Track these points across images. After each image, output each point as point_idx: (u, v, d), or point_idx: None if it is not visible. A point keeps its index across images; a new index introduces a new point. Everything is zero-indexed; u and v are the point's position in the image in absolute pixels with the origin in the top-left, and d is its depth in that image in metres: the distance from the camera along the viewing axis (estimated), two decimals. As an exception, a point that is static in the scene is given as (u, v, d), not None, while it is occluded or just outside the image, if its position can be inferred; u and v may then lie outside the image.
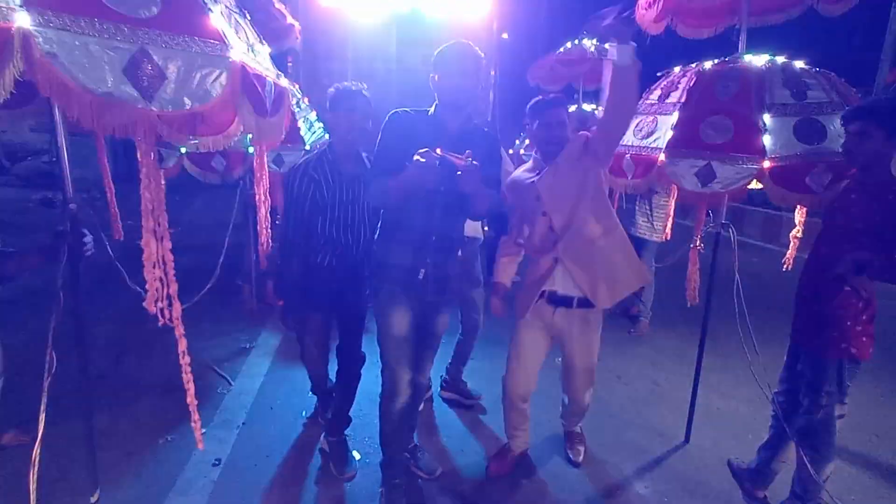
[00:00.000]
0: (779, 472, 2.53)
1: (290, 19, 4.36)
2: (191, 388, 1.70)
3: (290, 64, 4.57)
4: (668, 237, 4.37)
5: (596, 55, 4.88)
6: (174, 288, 1.50)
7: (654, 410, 3.39)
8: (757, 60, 2.54)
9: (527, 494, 2.58)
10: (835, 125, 2.28)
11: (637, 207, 4.58)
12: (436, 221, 2.16)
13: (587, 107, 5.01)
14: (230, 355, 3.89)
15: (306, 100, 3.93)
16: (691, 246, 2.91)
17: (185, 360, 1.65)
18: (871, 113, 2.02)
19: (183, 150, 3.58)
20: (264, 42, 1.77)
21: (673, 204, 3.61)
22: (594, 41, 4.73)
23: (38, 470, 1.63)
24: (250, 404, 3.23)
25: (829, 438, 2.21)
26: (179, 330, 1.59)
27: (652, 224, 4.58)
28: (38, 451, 1.56)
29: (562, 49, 4.98)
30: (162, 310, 1.50)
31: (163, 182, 1.50)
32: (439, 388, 3.43)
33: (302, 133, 3.74)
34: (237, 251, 3.96)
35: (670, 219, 3.72)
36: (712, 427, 3.20)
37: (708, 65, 2.63)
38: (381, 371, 2.32)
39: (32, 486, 1.56)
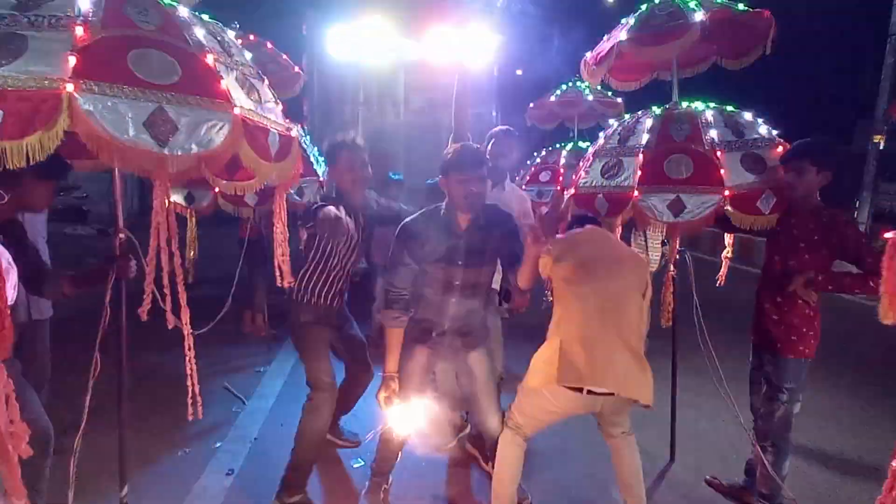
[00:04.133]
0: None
1: (296, 69, 4.80)
2: (194, 376, 1.98)
3: (305, 108, 4.97)
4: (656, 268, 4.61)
5: (591, 97, 5.21)
6: (184, 297, 1.83)
7: (641, 432, 3.53)
8: (698, 106, 2.95)
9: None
10: (770, 156, 2.66)
11: (633, 239, 4.82)
12: (453, 305, 2.41)
13: (583, 144, 5.30)
14: (246, 378, 4.18)
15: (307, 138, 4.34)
16: (667, 272, 3.13)
17: (190, 353, 1.96)
18: (806, 153, 2.46)
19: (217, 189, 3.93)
20: (279, 102, 2.10)
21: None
22: (588, 84, 5.07)
23: (75, 468, 1.88)
24: (262, 421, 3.49)
25: (788, 435, 2.47)
26: (187, 329, 1.90)
27: (647, 255, 4.81)
28: (80, 439, 1.82)
29: (558, 91, 5.32)
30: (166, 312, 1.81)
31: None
32: None
33: (315, 166, 4.09)
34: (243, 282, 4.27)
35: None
36: (697, 447, 3.37)
37: (657, 111, 3.01)
38: None
39: (72, 470, 1.80)
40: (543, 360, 2.24)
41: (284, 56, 4.74)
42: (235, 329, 4.89)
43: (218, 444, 3.17)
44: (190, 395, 2.00)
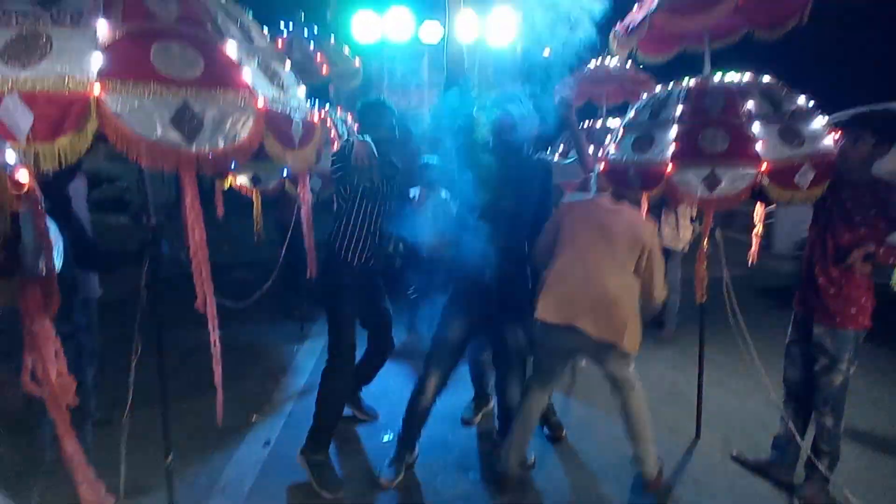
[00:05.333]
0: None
1: (357, 63, 4.92)
2: (218, 368, 2.02)
3: (331, 92, 5.05)
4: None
5: (618, 73, 5.10)
6: (210, 288, 1.85)
7: (669, 409, 3.55)
8: (731, 77, 2.82)
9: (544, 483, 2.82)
10: (809, 129, 2.57)
11: (663, 218, 4.73)
12: (502, 232, 2.56)
13: (612, 122, 5.21)
14: (281, 355, 4.36)
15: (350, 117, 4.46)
16: (700, 248, 3.05)
17: (215, 345, 2.00)
18: (867, 122, 2.41)
19: (285, 172, 4.11)
20: (301, 83, 2.12)
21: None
22: (615, 60, 4.97)
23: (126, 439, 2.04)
24: (296, 396, 3.66)
25: (845, 397, 2.53)
26: (213, 321, 1.93)
27: (678, 234, 4.73)
28: (130, 414, 1.97)
29: (587, 68, 5.21)
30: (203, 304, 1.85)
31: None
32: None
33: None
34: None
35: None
36: (723, 424, 3.35)
37: (689, 83, 2.90)
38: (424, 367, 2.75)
39: (123, 442, 1.95)
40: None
41: (346, 48, 4.88)
42: (271, 309, 5.09)
43: (255, 417, 3.35)
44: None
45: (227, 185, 4.34)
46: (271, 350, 4.44)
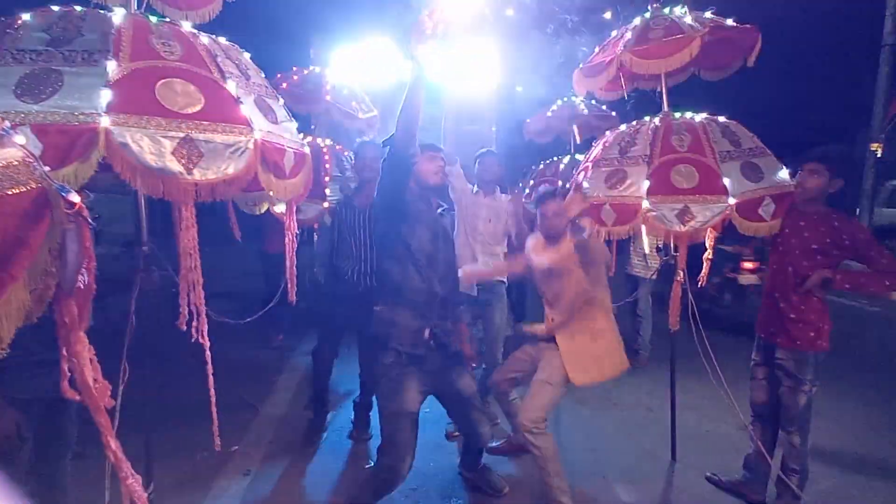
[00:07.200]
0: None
1: (374, 111, 5.11)
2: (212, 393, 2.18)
3: (313, 127, 5.15)
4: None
5: (585, 111, 5.36)
6: (203, 309, 1.92)
7: (646, 434, 3.64)
8: (695, 116, 3.03)
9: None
10: (766, 165, 2.78)
11: (632, 248, 4.94)
12: (438, 284, 2.40)
13: (580, 157, 5.43)
14: (259, 387, 4.31)
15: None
16: (675, 279, 3.10)
17: (209, 369, 2.12)
18: (823, 157, 2.59)
19: (325, 203, 4.15)
20: (292, 119, 2.21)
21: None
22: (581, 99, 5.24)
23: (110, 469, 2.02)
24: (275, 426, 3.64)
25: (810, 416, 2.65)
26: (206, 343, 2.03)
27: (646, 263, 4.92)
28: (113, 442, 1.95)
29: (554, 107, 5.47)
30: (193, 328, 1.92)
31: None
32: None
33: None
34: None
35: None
36: (698, 447, 3.44)
37: (655, 121, 3.08)
38: (381, 451, 2.41)
39: (108, 472, 1.93)
40: (593, 358, 2.75)
41: (367, 98, 5.10)
42: (249, 339, 5.05)
43: (235, 447, 3.31)
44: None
45: (262, 210, 4.30)
46: (250, 380, 4.39)
